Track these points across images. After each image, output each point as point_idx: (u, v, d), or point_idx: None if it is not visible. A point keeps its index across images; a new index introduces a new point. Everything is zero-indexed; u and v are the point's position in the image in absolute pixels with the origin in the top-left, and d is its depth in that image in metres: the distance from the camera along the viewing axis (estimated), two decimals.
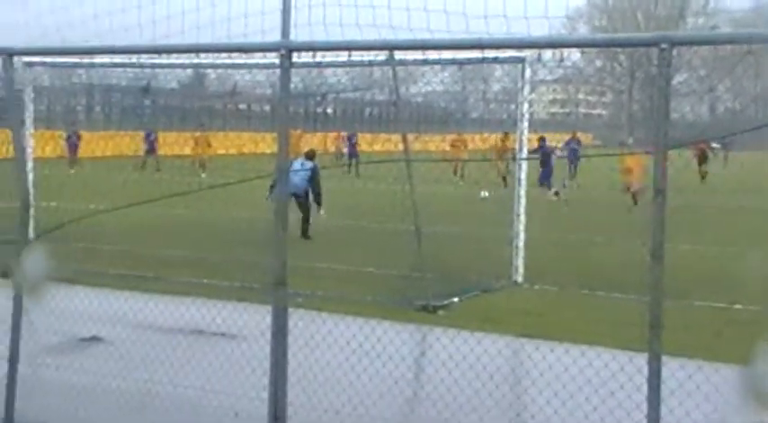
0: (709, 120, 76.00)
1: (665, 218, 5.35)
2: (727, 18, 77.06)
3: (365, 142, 35.59)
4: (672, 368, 5.81)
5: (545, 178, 26.39)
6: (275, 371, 5.69)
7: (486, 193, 19.64)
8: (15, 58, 6.25)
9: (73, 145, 33.05)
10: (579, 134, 34.05)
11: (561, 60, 5.96)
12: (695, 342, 8.04)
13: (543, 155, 27.63)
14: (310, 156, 16.33)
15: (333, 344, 7.44)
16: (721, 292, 10.60)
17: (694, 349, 7.54)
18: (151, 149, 33.38)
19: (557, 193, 25.62)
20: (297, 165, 15.03)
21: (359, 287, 10.83)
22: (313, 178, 15.65)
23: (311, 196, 15.66)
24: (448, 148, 30.41)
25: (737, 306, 10.02)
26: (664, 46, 4.80)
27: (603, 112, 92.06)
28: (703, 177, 28.02)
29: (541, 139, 27.28)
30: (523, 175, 11.84)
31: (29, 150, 11.58)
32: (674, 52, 4.97)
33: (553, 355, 7.31)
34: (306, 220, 15.41)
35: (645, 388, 5.01)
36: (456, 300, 10.30)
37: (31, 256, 6.01)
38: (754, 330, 8.62)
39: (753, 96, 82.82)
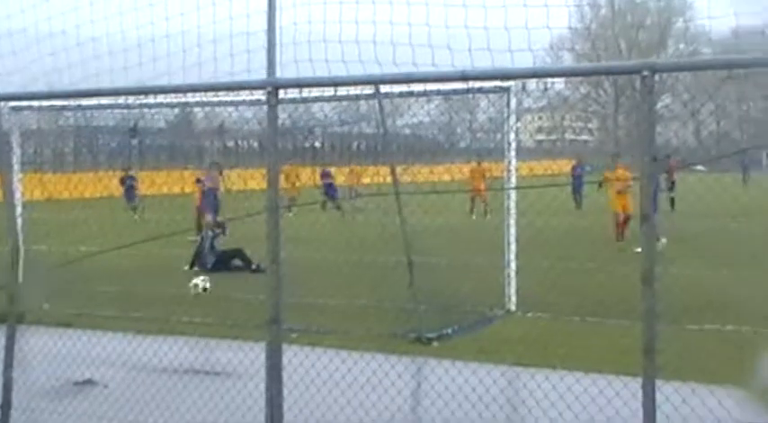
0: (695, 144, 76.61)
1: (654, 242, 5.39)
2: (707, 42, 78.07)
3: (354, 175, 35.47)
4: (666, 392, 5.83)
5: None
6: (270, 408, 5.68)
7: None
8: (2, 104, 6.29)
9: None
10: (566, 160, 34.14)
11: (546, 89, 6.03)
12: (689, 365, 8.05)
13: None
14: None
15: (328, 379, 7.43)
16: (713, 315, 10.62)
17: (688, 372, 7.55)
18: (131, 190, 31.72)
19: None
20: None
21: (352, 321, 10.81)
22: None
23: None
24: (465, 176, 29.81)
25: (729, 327, 10.04)
26: (645, 73, 4.88)
27: (590, 138, 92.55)
28: (672, 204, 26.51)
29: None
30: (513, 204, 11.89)
31: (17, 194, 11.57)
32: (657, 78, 5.05)
33: (548, 382, 7.31)
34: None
35: (641, 413, 5.03)
36: (450, 331, 10.30)
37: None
38: (747, 351, 8.68)
39: (736, 120, 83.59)
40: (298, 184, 30.09)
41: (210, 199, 17.81)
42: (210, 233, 16.81)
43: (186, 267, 16.37)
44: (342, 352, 8.57)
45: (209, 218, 17.34)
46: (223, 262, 16.34)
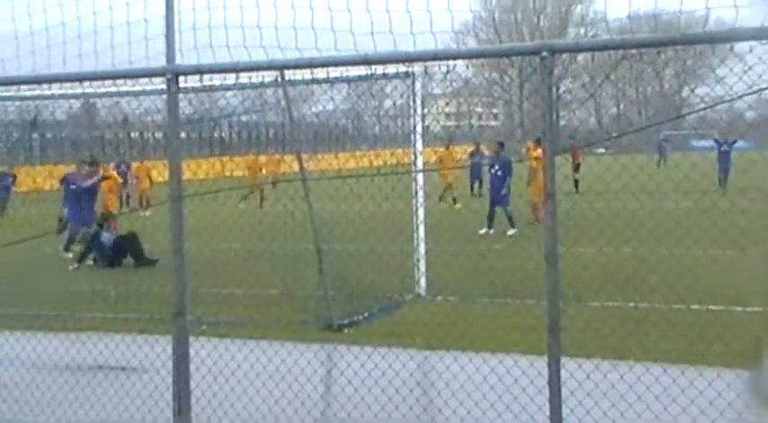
0: (595, 125, 78.58)
1: (557, 222, 5.48)
2: (605, 28, 79.89)
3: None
4: (571, 369, 5.96)
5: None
6: (178, 401, 5.59)
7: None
8: None
9: None
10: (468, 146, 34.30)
11: (448, 72, 6.05)
12: (592, 342, 8.26)
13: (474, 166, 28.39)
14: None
15: (236, 369, 7.35)
16: (614, 292, 10.89)
17: (591, 349, 7.74)
18: (4, 190, 29.12)
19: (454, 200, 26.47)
20: None
21: (262, 311, 10.73)
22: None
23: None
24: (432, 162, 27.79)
25: (631, 305, 10.32)
26: (545, 54, 4.95)
27: (496, 123, 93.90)
28: (576, 185, 26.54)
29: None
30: (420, 189, 11.96)
31: None
32: (558, 63, 5.14)
33: (457, 364, 7.39)
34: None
35: (547, 390, 5.12)
36: (360, 317, 10.31)
37: None
38: (647, 328, 8.93)
39: (633, 100, 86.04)
40: (260, 174, 29.36)
41: (69, 197, 17.36)
42: (97, 228, 16.45)
43: (75, 265, 15.94)
44: (250, 342, 8.49)
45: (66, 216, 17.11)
46: (118, 252, 15.98)
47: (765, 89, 5.17)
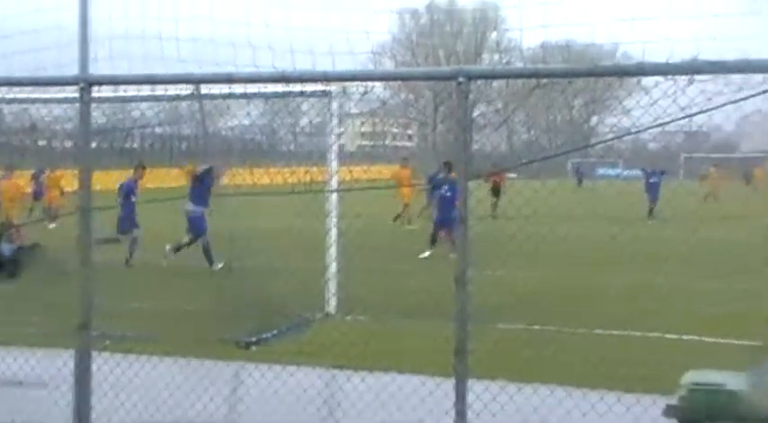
0: (507, 150, 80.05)
1: (468, 245, 5.56)
2: (519, 55, 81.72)
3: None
4: (477, 391, 6.02)
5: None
6: (77, 417, 5.45)
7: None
8: None
9: None
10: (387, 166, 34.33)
11: (365, 93, 6.09)
12: (498, 363, 8.37)
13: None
14: None
15: (140, 385, 7.20)
16: (522, 314, 11.08)
17: (498, 370, 7.84)
18: None
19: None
20: None
21: (170, 326, 10.53)
22: None
23: None
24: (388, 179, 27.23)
25: (536, 326, 10.51)
26: (461, 79, 5.03)
27: (410, 144, 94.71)
28: (494, 210, 26.72)
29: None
30: (333, 208, 11.95)
31: None
32: (473, 87, 5.23)
33: (364, 384, 7.40)
34: None
35: (453, 412, 5.17)
36: (269, 335, 10.23)
37: None
38: (553, 350, 9.10)
39: (544, 127, 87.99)
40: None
41: None
42: None
43: None
44: (154, 358, 8.33)
45: None
46: (18, 263, 15.50)
47: (670, 122, 5.36)
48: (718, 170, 43.98)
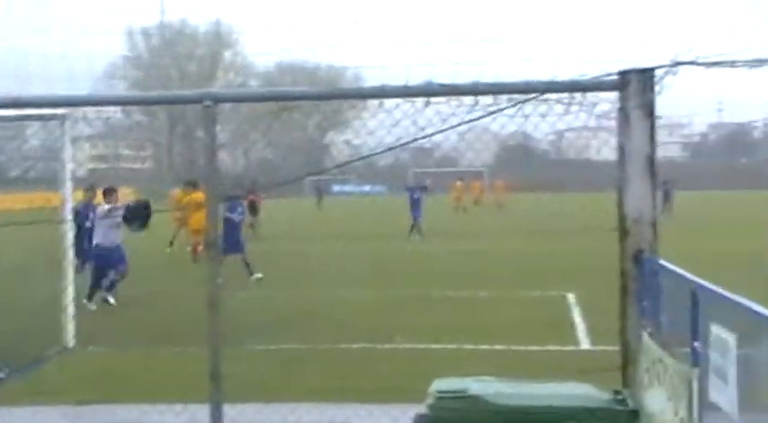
0: (245, 169, 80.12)
1: (219, 268, 5.51)
2: (255, 74, 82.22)
3: None
4: (233, 414, 5.97)
5: None
6: None
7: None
8: None
9: None
10: (123, 188, 33.04)
11: (108, 118, 5.90)
12: (254, 386, 8.33)
13: None
14: None
15: None
16: (276, 334, 11.07)
17: (254, 393, 7.80)
18: None
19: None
20: None
21: None
22: None
23: None
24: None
25: (287, 346, 10.55)
26: (208, 103, 5.00)
27: (146, 166, 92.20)
28: (255, 229, 27.07)
29: None
30: (70, 237, 11.33)
31: None
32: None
33: (113, 418, 7.10)
34: None
35: None
36: (1, 375, 9.50)
37: None
38: (306, 368, 9.17)
39: (284, 148, 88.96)
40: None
41: None
42: None
43: None
44: None
45: None
46: None
47: (412, 141, 5.62)
48: (462, 183, 47.06)
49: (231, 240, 16.97)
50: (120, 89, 77.12)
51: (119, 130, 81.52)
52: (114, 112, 5.84)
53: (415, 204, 28.90)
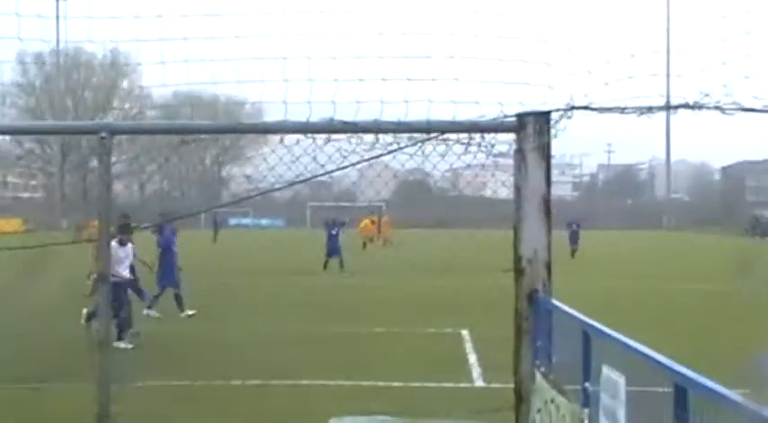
0: (139, 200, 78.60)
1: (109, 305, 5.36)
2: (152, 104, 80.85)
3: None
4: None
5: None
6: None
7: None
8: None
9: None
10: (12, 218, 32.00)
11: None
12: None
13: None
14: None
15: None
16: (171, 371, 10.78)
17: None
18: None
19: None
20: None
21: None
22: None
23: None
24: None
25: (179, 382, 10.29)
26: (104, 135, 4.89)
27: (36, 195, 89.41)
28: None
29: None
30: None
31: None
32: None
33: None
34: None
35: None
36: None
37: None
38: (201, 405, 8.96)
39: (181, 180, 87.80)
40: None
41: None
42: None
43: None
44: None
45: None
46: None
47: (312, 178, 5.60)
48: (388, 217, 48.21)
49: (169, 274, 16.45)
50: (11, 116, 74.84)
51: (7, 157, 79.04)
52: (1, 139, 5.65)
53: (332, 240, 28.88)
